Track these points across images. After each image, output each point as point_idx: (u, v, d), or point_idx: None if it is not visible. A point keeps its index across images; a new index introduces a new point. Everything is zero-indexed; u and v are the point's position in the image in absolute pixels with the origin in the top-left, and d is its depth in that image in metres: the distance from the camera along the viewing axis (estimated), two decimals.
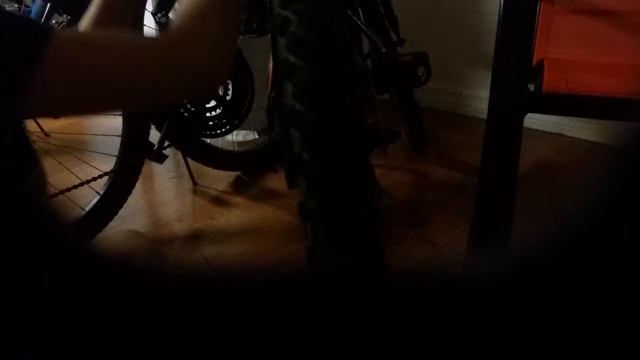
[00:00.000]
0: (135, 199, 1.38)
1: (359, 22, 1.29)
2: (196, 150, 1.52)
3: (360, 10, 1.38)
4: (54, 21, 1.18)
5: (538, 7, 1.00)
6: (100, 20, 0.64)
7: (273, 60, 0.71)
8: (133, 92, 0.50)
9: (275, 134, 1.23)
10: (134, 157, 1.29)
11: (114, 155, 1.31)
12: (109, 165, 1.31)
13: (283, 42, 0.68)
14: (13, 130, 0.51)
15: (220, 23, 0.53)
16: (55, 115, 1.15)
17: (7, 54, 0.42)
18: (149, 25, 1.35)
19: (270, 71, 1.29)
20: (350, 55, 0.75)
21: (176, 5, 1.43)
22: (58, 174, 1.41)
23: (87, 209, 1.26)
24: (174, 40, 0.52)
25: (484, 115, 0.91)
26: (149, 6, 1.35)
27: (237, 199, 1.52)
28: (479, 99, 1.93)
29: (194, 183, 1.60)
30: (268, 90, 1.30)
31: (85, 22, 0.65)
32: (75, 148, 1.53)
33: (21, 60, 0.42)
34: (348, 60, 0.72)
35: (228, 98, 1.42)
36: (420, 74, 1.26)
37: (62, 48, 0.44)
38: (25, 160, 0.56)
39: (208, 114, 1.41)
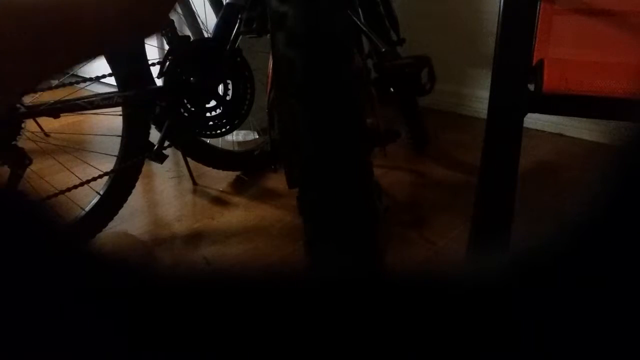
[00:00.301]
0: (135, 199, 1.38)
1: (358, 22, 1.29)
2: (196, 150, 1.52)
3: (360, 10, 1.38)
4: None
5: (538, 7, 1.00)
6: None
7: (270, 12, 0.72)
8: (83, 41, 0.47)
9: (275, 133, 1.23)
10: (134, 157, 1.29)
11: (114, 155, 1.31)
12: (109, 165, 1.31)
13: None
14: None
15: None
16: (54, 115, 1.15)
17: None
18: None
19: (270, 70, 1.29)
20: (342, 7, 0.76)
21: (176, 5, 1.43)
22: (58, 174, 1.41)
23: (87, 209, 1.26)
24: None
25: (484, 115, 0.91)
26: None
27: (237, 199, 1.52)
28: (479, 99, 1.93)
29: (194, 183, 1.60)
30: (267, 89, 1.30)
31: None
32: (75, 148, 1.53)
33: None
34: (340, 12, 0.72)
35: (228, 98, 1.42)
36: (423, 81, 1.22)
37: None
38: None
39: (208, 114, 1.41)
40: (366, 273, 0.22)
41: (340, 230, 0.68)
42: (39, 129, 1.60)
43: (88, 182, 1.22)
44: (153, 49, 1.57)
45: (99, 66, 1.24)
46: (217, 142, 1.59)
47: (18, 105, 1.11)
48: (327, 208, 0.68)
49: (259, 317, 0.20)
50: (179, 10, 1.58)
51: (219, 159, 1.59)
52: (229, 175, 1.63)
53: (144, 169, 1.37)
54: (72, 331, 0.20)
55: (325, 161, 0.68)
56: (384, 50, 1.25)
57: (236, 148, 1.69)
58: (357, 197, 0.69)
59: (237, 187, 1.59)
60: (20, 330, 0.20)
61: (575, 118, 1.69)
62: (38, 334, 0.20)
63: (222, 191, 1.57)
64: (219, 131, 1.44)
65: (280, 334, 0.20)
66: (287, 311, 0.20)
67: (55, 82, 1.21)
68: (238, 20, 1.34)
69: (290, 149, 0.70)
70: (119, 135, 1.30)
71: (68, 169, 1.29)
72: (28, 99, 1.16)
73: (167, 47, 1.32)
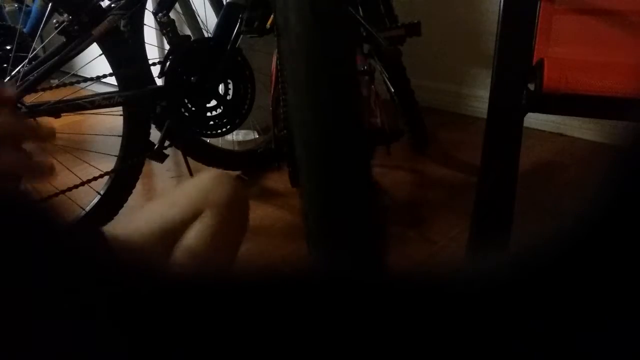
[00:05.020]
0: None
1: (359, 19, 1.29)
2: (196, 149, 1.52)
3: (360, 8, 1.38)
4: (54, 20, 1.18)
5: (538, 7, 1.00)
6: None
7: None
8: None
9: (279, 130, 1.23)
10: (134, 156, 1.29)
11: (114, 155, 1.31)
12: (109, 165, 1.30)
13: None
14: None
15: None
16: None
17: None
18: (150, 25, 1.35)
19: (274, 69, 1.29)
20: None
21: (177, 5, 1.43)
22: (58, 174, 1.41)
23: (87, 209, 1.26)
24: None
25: (484, 115, 0.91)
26: (150, 5, 1.35)
27: None
28: (479, 98, 1.92)
29: None
30: (271, 88, 1.30)
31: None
32: (75, 148, 1.53)
33: None
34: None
35: (229, 98, 1.42)
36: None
37: None
38: None
39: (209, 114, 1.41)
40: (368, 273, 0.22)
41: (343, 229, 0.68)
42: None
43: (88, 182, 1.22)
44: (153, 49, 1.56)
45: (100, 66, 1.25)
46: (218, 141, 1.58)
47: (19, 105, 1.11)
48: (331, 206, 0.68)
49: (258, 316, 0.20)
50: (179, 9, 1.58)
51: (220, 158, 1.59)
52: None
53: (144, 168, 1.37)
54: (73, 332, 0.20)
55: (329, 159, 0.68)
56: (387, 48, 1.25)
57: (236, 148, 1.69)
58: (360, 195, 0.69)
59: None
60: (20, 331, 0.20)
61: (575, 118, 1.69)
62: (39, 334, 0.20)
63: None
64: (219, 131, 1.44)
65: (281, 333, 0.20)
66: (287, 311, 0.21)
67: (56, 82, 1.21)
68: (239, 20, 1.35)
69: (294, 147, 0.70)
70: (119, 135, 1.30)
71: (68, 169, 1.29)
72: (29, 99, 1.16)
73: (167, 46, 1.32)
